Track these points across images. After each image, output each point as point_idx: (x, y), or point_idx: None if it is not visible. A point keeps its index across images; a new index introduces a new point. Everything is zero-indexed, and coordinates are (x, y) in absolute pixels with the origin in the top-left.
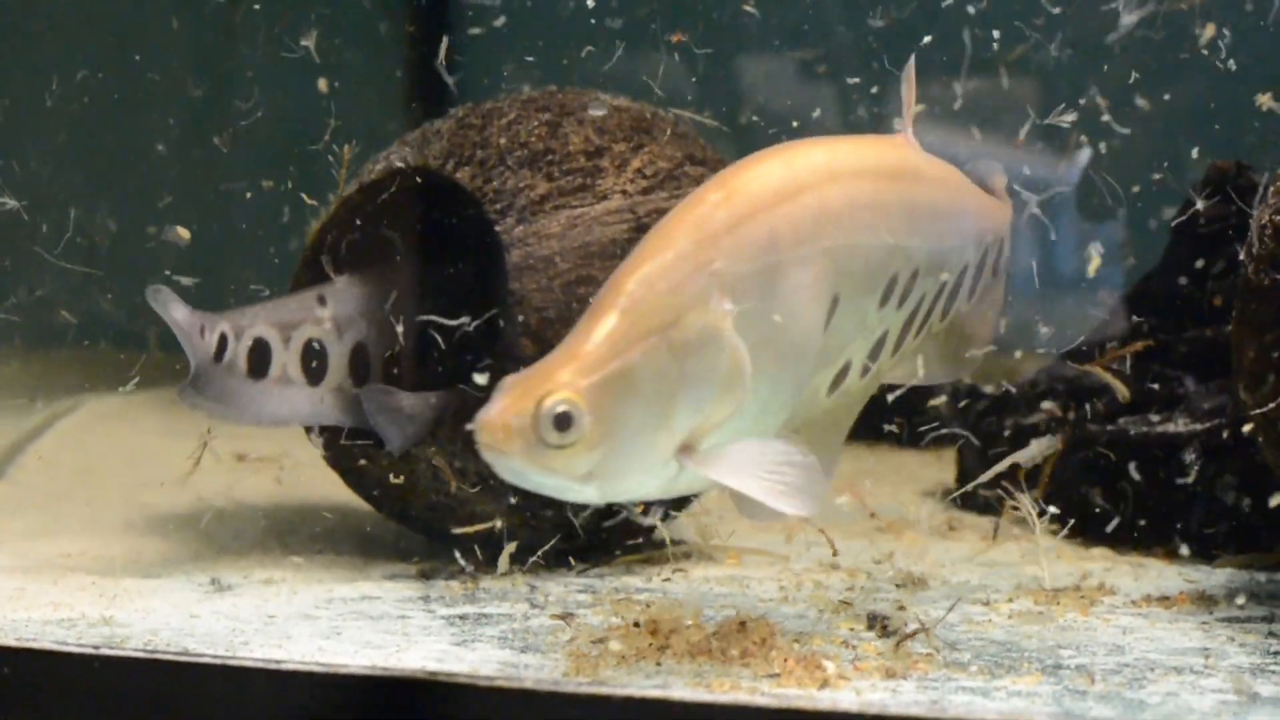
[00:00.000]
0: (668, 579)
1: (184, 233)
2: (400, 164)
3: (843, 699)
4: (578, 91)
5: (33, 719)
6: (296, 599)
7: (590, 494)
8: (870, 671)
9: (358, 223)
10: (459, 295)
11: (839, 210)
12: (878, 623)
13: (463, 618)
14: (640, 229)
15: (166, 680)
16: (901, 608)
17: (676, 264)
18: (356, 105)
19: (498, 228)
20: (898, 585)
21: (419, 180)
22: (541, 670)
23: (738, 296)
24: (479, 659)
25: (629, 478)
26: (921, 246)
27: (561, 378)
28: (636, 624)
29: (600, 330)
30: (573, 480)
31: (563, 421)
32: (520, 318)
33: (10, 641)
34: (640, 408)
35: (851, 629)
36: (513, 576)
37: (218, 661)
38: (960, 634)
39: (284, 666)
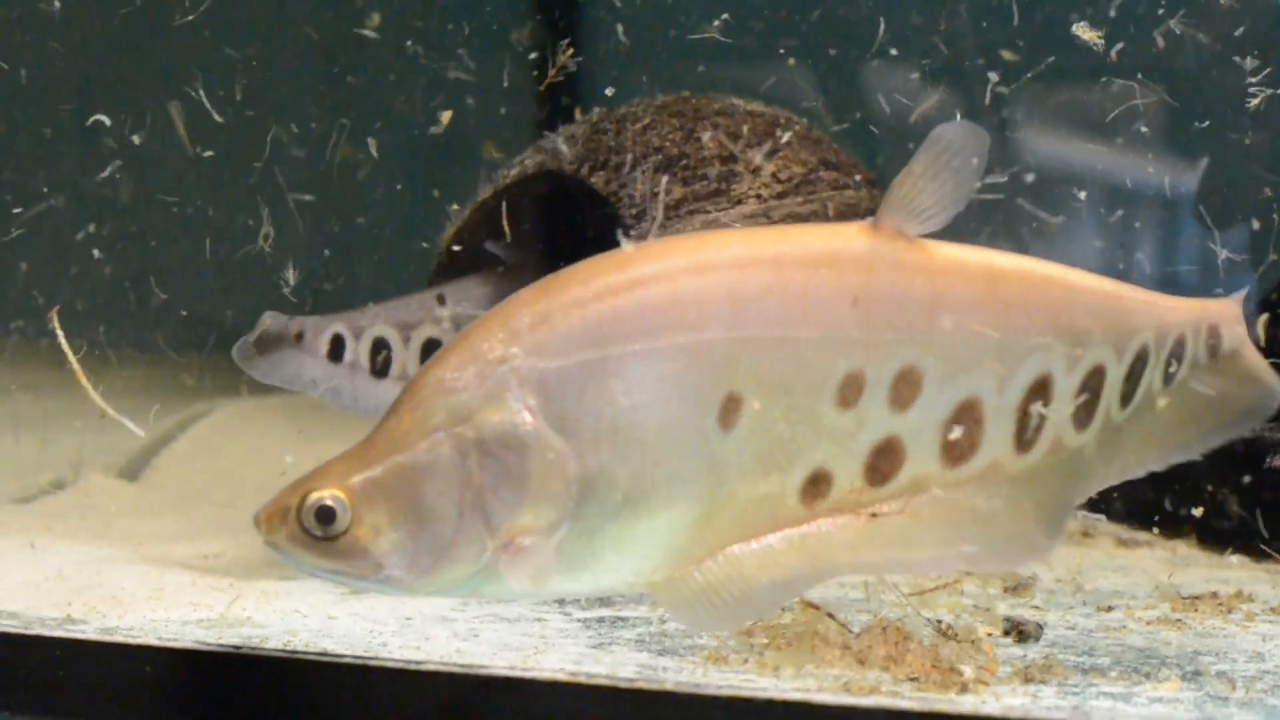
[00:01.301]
0: None
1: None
2: (534, 169)
3: (984, 704)
4: (711, 97)
5: (172, 717)
6: (432, 601)
7: (391, 588)
8: (1009, 676)
9: (492, 226)
10: None
11: (711, 302)
12: (1014, 628)
13: (599, 620)
14: None
15: (306, 680)
16: (1036, 610)
17: (470, 361)
18: (491, 110)
19: (633, 232)
20: (1022, 589)
21: (554, 184)
22: (680, 673)
23: (548, 393)
24: (616, 661)
25: (435, 573)
26: (904, 344)
27: (334, 473)
28: (774, 629)
29: (384, 429)
30: (361, 573)
31: (324, 515)
32: None
33: (151, 641)
34: (430, 503)
35: (989, 634)
36: None
37: (358, 662)
38: (1098, 640)
39: (424, 668)
